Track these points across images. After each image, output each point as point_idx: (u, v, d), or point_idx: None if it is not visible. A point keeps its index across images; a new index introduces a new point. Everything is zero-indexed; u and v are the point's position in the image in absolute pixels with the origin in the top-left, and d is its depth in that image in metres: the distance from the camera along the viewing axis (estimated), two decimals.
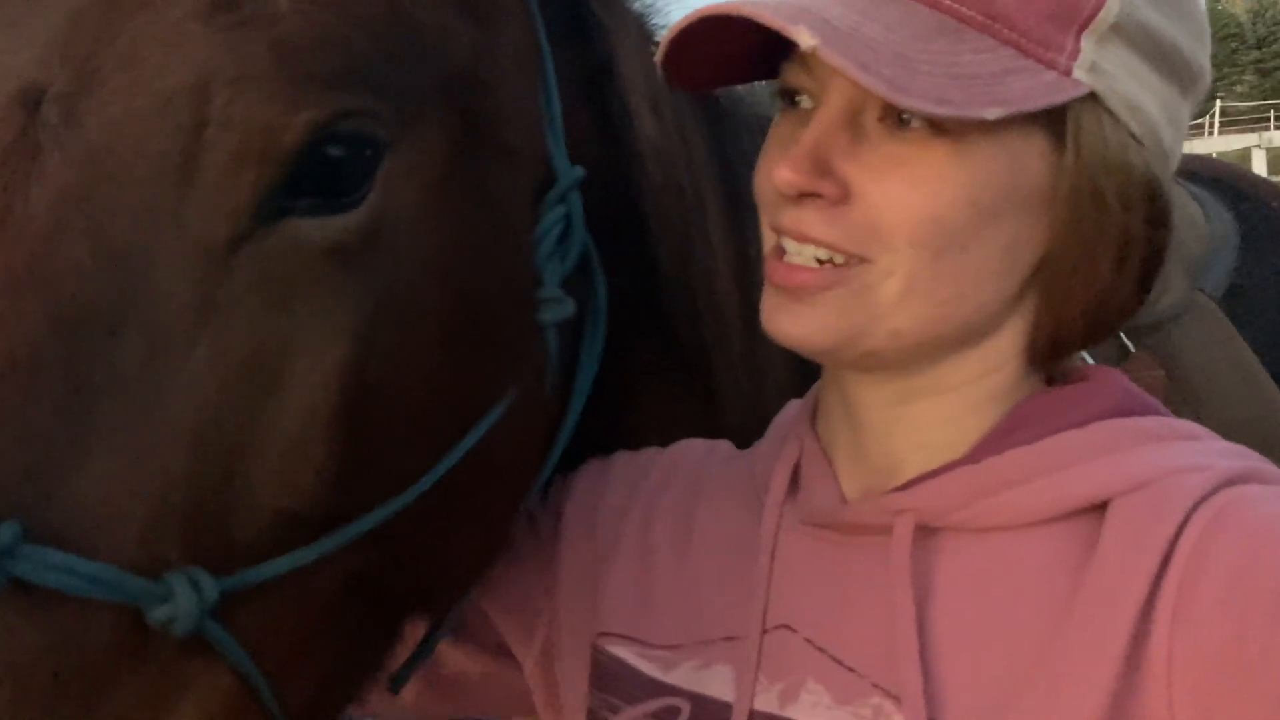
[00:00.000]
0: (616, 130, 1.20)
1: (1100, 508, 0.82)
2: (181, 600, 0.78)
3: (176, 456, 0.80)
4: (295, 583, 0.85)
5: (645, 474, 1.11)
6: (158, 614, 0.78)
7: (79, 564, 0.75)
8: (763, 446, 1.05)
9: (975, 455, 0.87)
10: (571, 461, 1.19)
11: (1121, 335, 1.57)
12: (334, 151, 0.86)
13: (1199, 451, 0.84)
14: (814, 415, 1.00)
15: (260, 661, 0.83)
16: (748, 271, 1.20)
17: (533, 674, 1.14)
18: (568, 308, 1.04)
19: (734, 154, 1.30)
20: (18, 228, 0.80)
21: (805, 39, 0.75)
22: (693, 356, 1.27)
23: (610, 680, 1.01)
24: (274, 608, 0.84)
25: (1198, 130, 33.73)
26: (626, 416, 1.24)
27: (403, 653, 1.12)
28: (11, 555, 0.73)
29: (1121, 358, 1.57)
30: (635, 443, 1.20)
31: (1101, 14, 0.81)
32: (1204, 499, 0.78)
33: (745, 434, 1.11)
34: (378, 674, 1.06)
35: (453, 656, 1.19)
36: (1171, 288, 1.70)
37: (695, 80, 0.95)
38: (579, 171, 1.07)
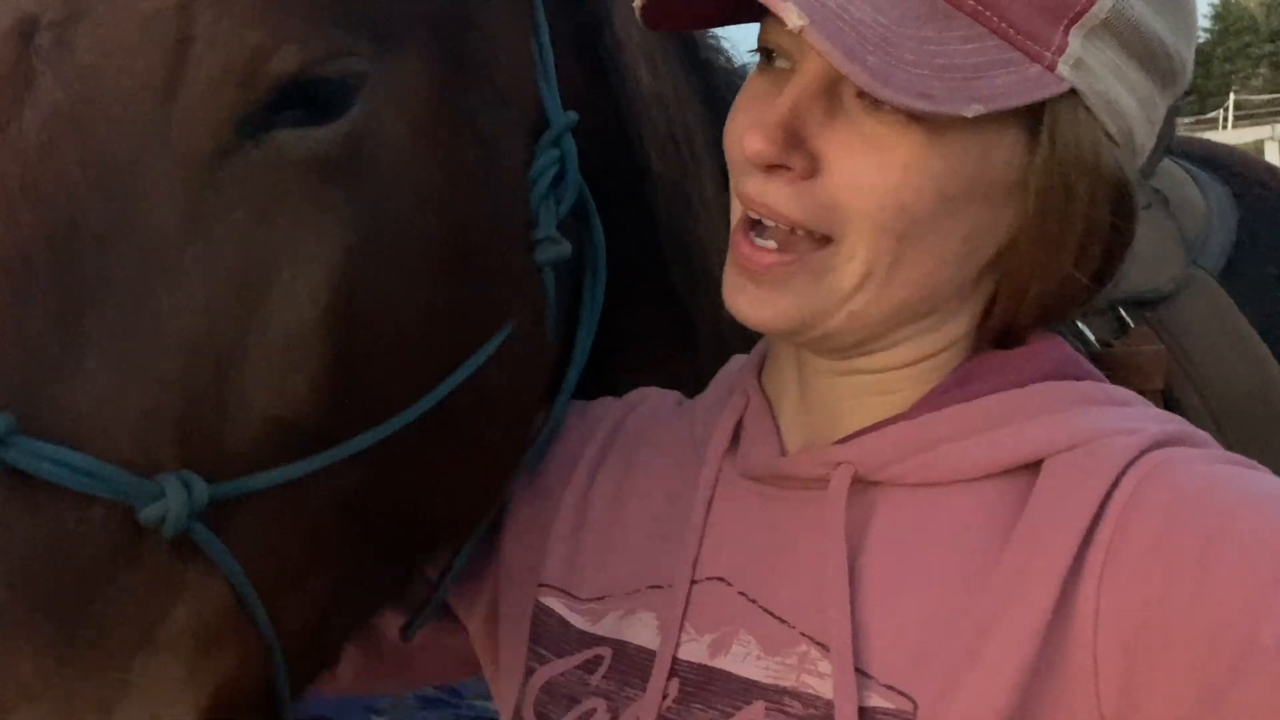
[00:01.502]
0: (611, 83, 1.23)
1: (1034, 467, 0.84)
2: (172, 499, 0.80)
3: (168, 361, 0.83)
4: (288, 499, 0.88)
5: (596, 425, 1.11)
6: (149, 512, 0.80)
7: (72, 457, 0.78)
8: (705, 399, 1.05)
9: (914, 411, 0.89)
10: None
11: (1120, 310, 1.58)
12: (317, 80, 0.90)
13: (1131, 416, 0.85)
14: (761, 368, 1.00)
15: (253, 577, 0.85)
16: None
17: (477, 633, 1.14)
18: (564, 249, 1.06)
19: (722, 106, 1.32)
20: (12, 147, 0.84)
21: (793, 19, 0.75)
22: (686, 306, 1.29)
23: (542, 632, 1.01)
24: (267, 522, 0.87)
25: (1211, 124, 33.46)
26: (621, 368, 1.27)
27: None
28: (5, 444, 0.77)
29: (1121, 332, 1.58)
30: (617, 383, 1.22)
31: (1094, 9, 0.80)
32: (1135, 459, 0.80)
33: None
34: (380, 609, 1.08)
35: (391, 627, 1.18)
36: (1170, 264, 1.71)
37: (672, 19, 0.94)
38: (572, 116, 1.09)
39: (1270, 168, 2.75)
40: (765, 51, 0.89)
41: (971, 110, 0.77)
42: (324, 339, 0.88)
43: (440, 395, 0.95)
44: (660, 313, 1.31)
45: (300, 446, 0.87)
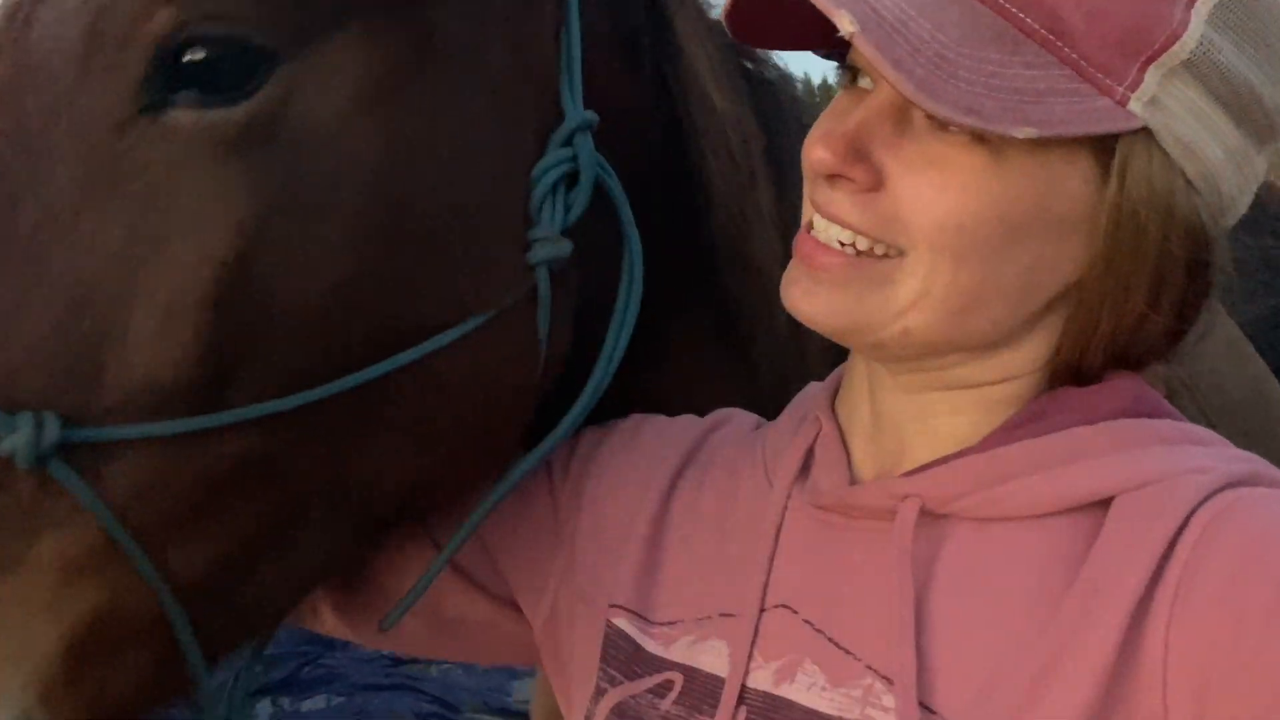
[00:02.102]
0: (669, 88, 1.23)
1: (1104, 504, 0.82)
2: (21, 434, 0.86)
3: (50, 312, 0.89)
4: (172, 453, 0.90)
5: (674, 444, 1.10)
6: (4, 444, 0.86)
7: None
8: (779, 424, 1.05)
9: (984, 445, 0.88)
10: (600, 416, 1.18)
11: None
12: (208, 49, 0.93)
13: (1206, 455, 0.84)
14: (834, 396, 1.00)
15: (131, 521, 0.89)
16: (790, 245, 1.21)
17: (541, 634, 1.14)
18: (562, 249, 1.05)
19: (778, 125, 1.32)
20: None
21: (845, 24, 0.76)
22: (735, 324, 1.29)
23: (613, 653, 1.01)
24: (147, 472, 0.90)
25: None
26: (662, 378, 1.26)
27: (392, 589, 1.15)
28: None
29: None
30: (668, 404, 1.21)
31: (1174, 49, 0.78)
32: (1206, 499, 0.78)
33: (780, 405, 1.12)
34: (323, 581, 1.09)
35: (456, 600, 1.18)
36: None
37: (756, 38, 0.96)
38: (588, 115, 1.08)
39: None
40: (852, 71, 0.90)
41: (1022, 132, 0.76)
42: (209, 309, 0.91)
43: (368, 377, 0.96)
44: (710, 324, 1.31)
45: (179, 406, 0.90)
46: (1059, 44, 0.78)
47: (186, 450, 0.91)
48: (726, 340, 1.31)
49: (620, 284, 1.14)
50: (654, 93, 1.24)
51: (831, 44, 0.88)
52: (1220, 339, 1.89)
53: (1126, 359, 0.88)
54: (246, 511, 0.96)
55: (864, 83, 0.88)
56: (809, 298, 0.87)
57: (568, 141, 1.08)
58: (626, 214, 1.14)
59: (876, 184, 0.83)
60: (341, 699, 4.70)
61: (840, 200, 0.84)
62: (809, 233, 0.88)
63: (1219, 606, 0.74)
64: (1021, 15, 0.79)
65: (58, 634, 0.90)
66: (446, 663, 4.96)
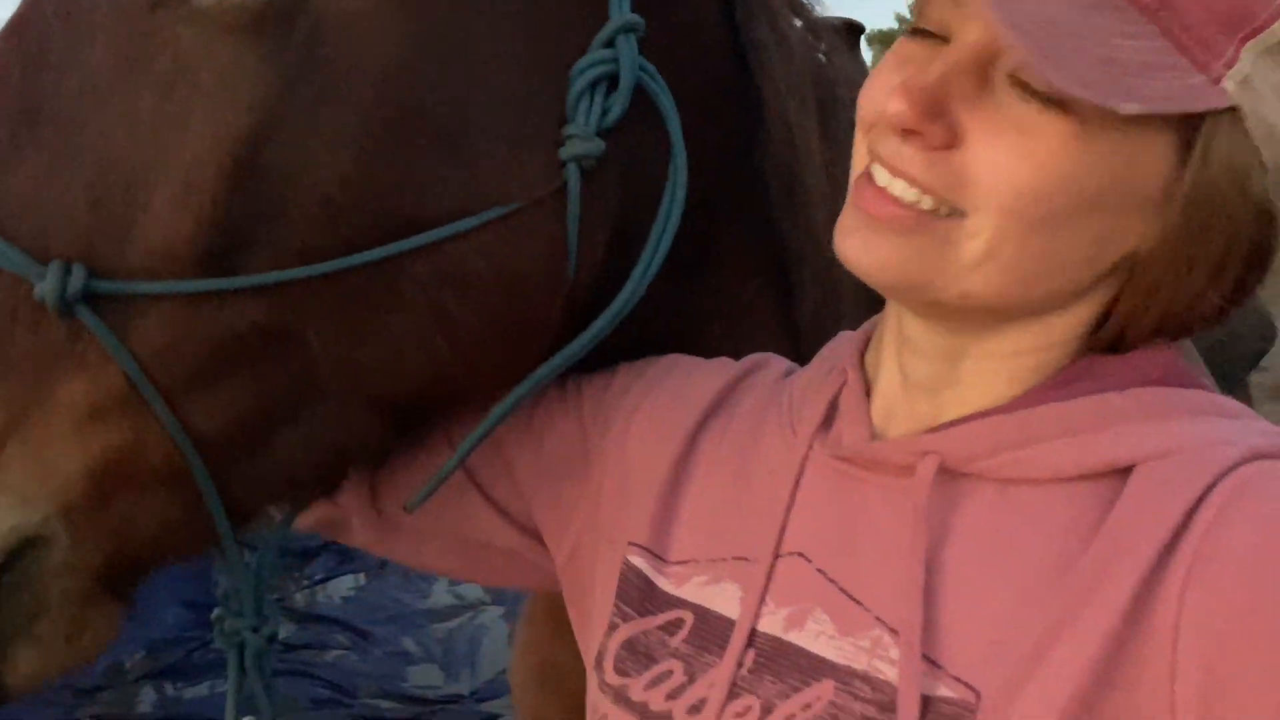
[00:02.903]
0: (735, 15, 1.24)
1: (1127, 472, 0.81)
2: (50, 280, 0.94)
3: (84, 174, 0.97)
4: (193, 312, 0.97)
5: (705, 386, 1.10)
6: (37, 289, 0.95)
7: None
8: (806, 373, 1.04)
9: (1010, 407, 0.87)
10: (637, 344, 1.19)
11: None
12: None
13: (1232, 428, 0.83)
14: (864, 348, 0.99)
15: (153, 373, 0.97)
16: (834, 186, 1.22)
17: (563, 570, 1.15)
18: (593, 147, 1.06)
19: (828, 68, 1.36)
20: None
21: None
22: (779, 253, 1.30)
23: (627, 590, 1.01)
24: (169, 328, 0.97)
25: None
26: (701, 300, 1.28)
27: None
28: None
29: None
30: (704, 329, 1.24)
31: (1275, 27, 0.77)
32: (1229, 470, 0.78)
33: (815, 339, 1.13)
34: (347, 463, 1.11)
35: (483, 525, 1.19)
36: None
37: None
38: (632, 18, 1.08)
39: None
40: (921, 18, 0.86)
41: (1128, 108, 0.74)
42: (225, 181, 0.96)
43: (378, 255, 0.99)
44: (754, 250, 1.31)
45: (196, 269, 0.96)
46: (1164, 14, 0.76)
47: (204, 311, 0.97)
48: (768, 270, 1.32)
49: (664, 195, 1.14)
50: (719, 10, 1.25)
51: None
52: None
53: (1173, 330, 0.87)
54: (262, 377, 1.01)
55: (935, 30, 0.85)
56: (867, 248, 0.84)
57: (610, 43, 1.08)
58: (675, 124, 1.13)
59: (951, 142, 0.80)
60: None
61: (910, 156, 0.82)
62: (871, 183, 0.85)
63: (1236, 576, 0.73)
64: None
65: (82, 461, 0.97)
66: (342, 648, 4.89)
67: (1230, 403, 0.87)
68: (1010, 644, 0.79)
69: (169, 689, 4.50)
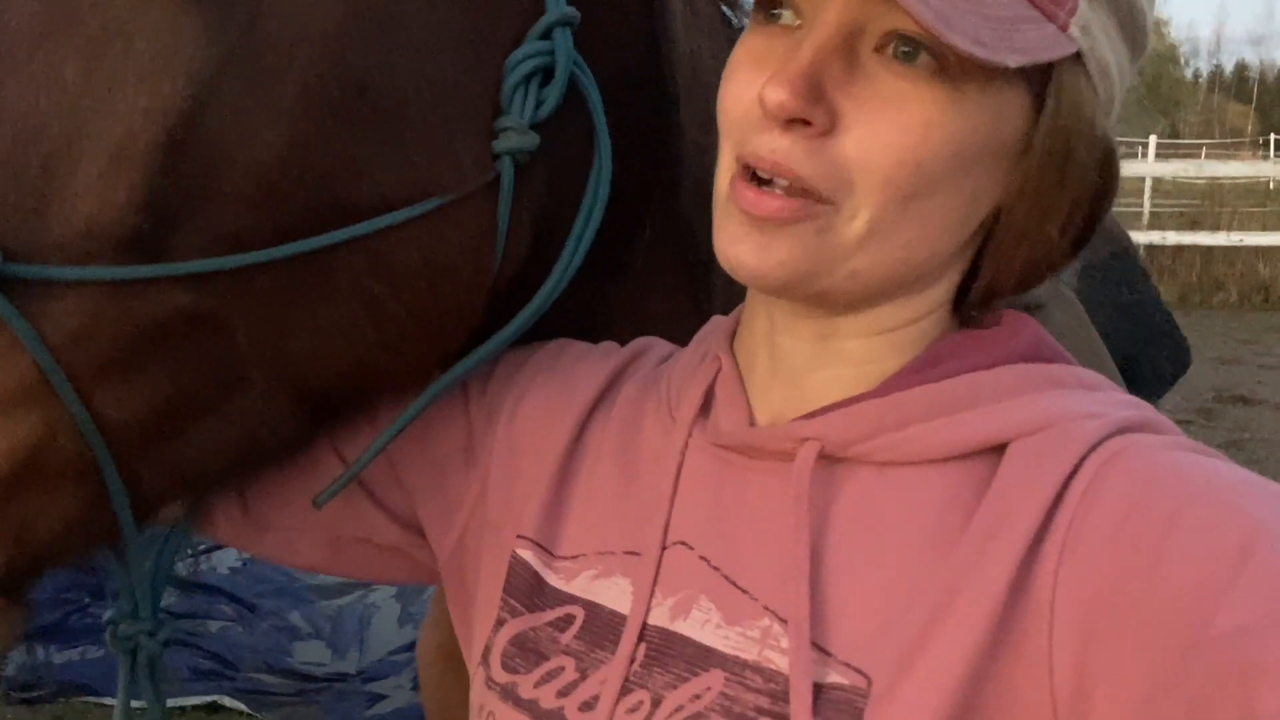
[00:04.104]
0: (654, 11, 1.23)
1: (1000, 449, 0.83)
2: None
3: (3, 144, 0.89)
4: (114, 299, 0.90)
5: (593, 373, 1.08)
6: None
7: None
8: (681, 359, 1.03)
9: (884, 389, 0.88)
10: (555, 329, 1.18)
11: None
12: None
13: (1098, 400, 0.85)
14: (734, 335, 0.99)
15: (66, 362, 0.90)
16: None
17: (447, 564, 1.11)
18: (527, 140, 1.04)
19: None
20: None
21: None
22: (692, 251, 1.29)
23: (515, 585, 0.99)
24: (85, 315, 0.90)
25: None
26: (618, 293, 1.26)
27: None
28: None
29: None
30: (621, 322, 1.21)
31: None
32: (1099, 443, 0.80)
33: None
34: (261, 457, 1.07)
35: (361, 522, 1.15)
36: None
37: None
38: (568, 11, 1.07)
39: None
40: (767, 6, 0.86)
41: (1014, 60, 0.75)
42: (156, 157, 0.90)
43: (312, 246, 0.95)
44: (672, 245, 1.30)
45: (119, 253, 0.90)
46: None
47: (126, 298, 0.91)
48: (681, 269, 1.31)
49: (586, 189, 1.13)
50: (644, 8, 1.24)
51: None
52: (1083, 339, 2.01)
53: (1029, 282, 0.89)
54: (183, 368, 0.96)
55: (786, 18, 0.84)
56: (760, 253, 0.82)
57: (546, 35, 1.07)
58: (601, 119, 1.12)
59: (830, 128, 0.80)
60: (101, 650, 4.47)
61: (789, 148, 0.80)
62: (747, 183, 0.83)
63: (1106, 547, 0.75)
64: None
65: None
66: (226, 620, 4.80)
67: (1091, 374, 0.89)
68: (897, 627, 0.80)
69: (40, 651, 4.37)
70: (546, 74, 1.06)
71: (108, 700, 4.12)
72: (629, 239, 1.26)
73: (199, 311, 0.93)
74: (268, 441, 1.05)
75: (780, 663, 0.83)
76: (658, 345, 1.12)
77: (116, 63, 0.90)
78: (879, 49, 0.79)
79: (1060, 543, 0.77)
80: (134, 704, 1.13)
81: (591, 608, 0.94)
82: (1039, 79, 0.81)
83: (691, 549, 0.91)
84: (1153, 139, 18.28)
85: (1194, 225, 16.01)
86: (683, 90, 1.26)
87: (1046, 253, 0.87)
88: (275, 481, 1.15)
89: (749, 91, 0.82)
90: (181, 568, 5.29)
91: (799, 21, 0.83)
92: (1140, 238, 13.21)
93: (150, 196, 0.90)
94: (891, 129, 0.79)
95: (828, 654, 0.81)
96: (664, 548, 0.92)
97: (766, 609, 0.85)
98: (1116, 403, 0.85)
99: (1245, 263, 14.86)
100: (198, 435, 0.99)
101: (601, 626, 0.92)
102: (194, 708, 4.12)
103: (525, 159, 1.05)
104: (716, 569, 0.89)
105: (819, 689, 0.80)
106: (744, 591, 0.87)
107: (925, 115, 0.78)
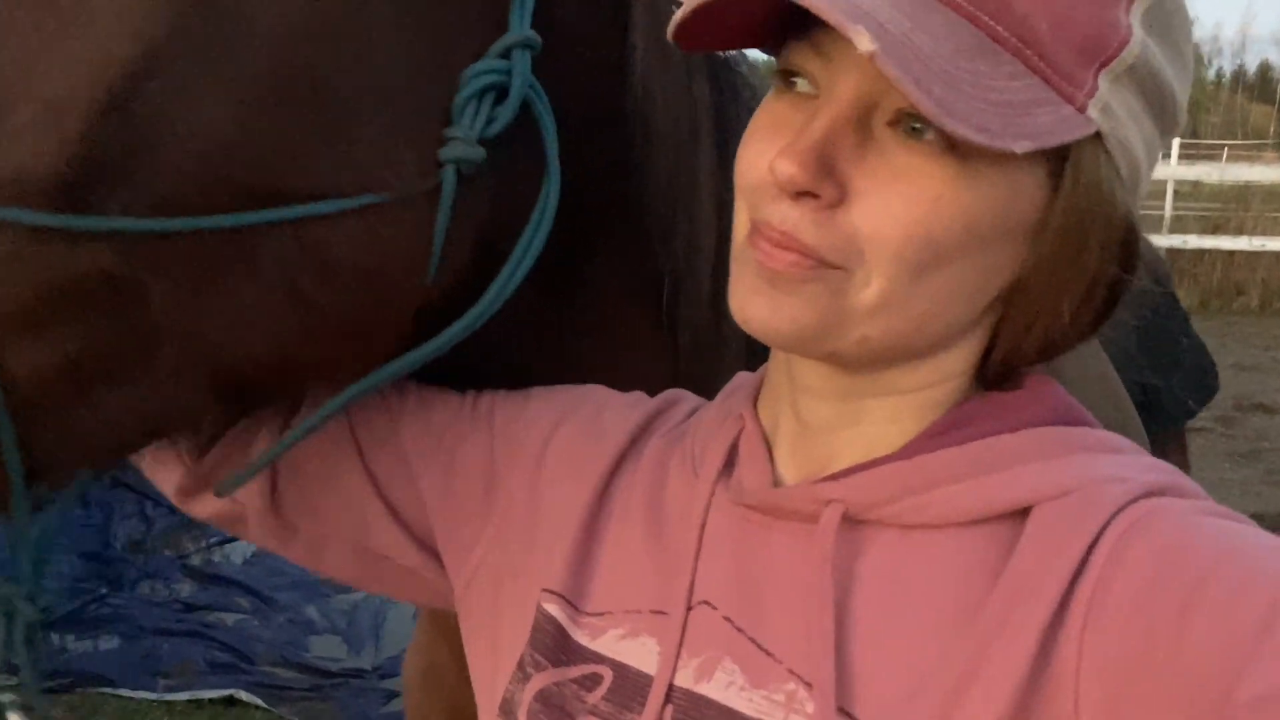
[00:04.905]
0: (627, 45, 1.23)
1: (1024, 513, 0.83)
2: None
3: None
4: (32, 246, 0.89)
5: (619, 425, 1.08)
6: None
7: None
8: (706, 415, 1.04)
9: (908, 452, 0.88)
10: (506, 358, 1.18)
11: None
12: None
13: (1123, 464, 0.85)
14: (757, 395, 0.99)
15: None
16: (724, 220, 1.20)
17: (461, 596, 1.11)
18: (473, 152, 1.04)
19: (730, 104, 1.33)
20: None
21: (865, 44, 0.72)
22: (658, 284, 1.29)
23: (540, 638, 0.99)
24: (8, 262, 0.89)
25: None
26: (574, 320, 1.26)
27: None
28: None
29: None
30: (577, 350, 1.22)
31: (1123, 54, 0.80)
32: (1123, 508, 0.80)
33: (696, 373, 1.13)
34: (170, 426, 1.07)
35: (385, 539, 1.15)
36: None
37: (701, 43, 0.91)
38: (530, 34, 1.08)
39: None
40: (785, 75, 0.86)
41: (1022, 146, 0.75)
42: (94, 112, 0.89)
43: (240, 222, 0.94)
44: (632, 279, 1.29)
45: (44, 200, 0.89)
46: (1029, 53, 0.78)
47: (45, 248, 0.89)
48: (647, 292, 1.31)
49: (533, 213, 1.13)
50: (616, 34, 1.23)
51: (762, 44, 0.89)
52: (1097, 374, 1.99)
53: (1049, 353, 0.89)
54: (96, 329, 0.94)
55: (803, 86, 0.85)
56: (774, 310, 0.82)
57: (506, 55, 1.08)
58: (552, 146, 1.12)
59: (839, 200, 0.80)
60: (118, 641, 4.49)
61: (799, 220, 0.81)
62: (763, 235, 0.84)
63: (1131, 614, 0.75)
64: (994, 24, 0.79)
65: None
66: (242, 613, 4.82)
67: (1117, 438, 0.89)
68: (922, 693, 0.80)
69: (54, 639, 4.39)
70: (502, 93, 1.07)
71: (124, 691, 4.16)
72: (586, 266, 1.27)
73: (119, 274, 0.92)
74: (172, 423, 1.04)
75: None
76: (686, 399, 1.12)
77: (68, 14, 0.90)
78: (891, 124, 0.80)
79: (1084, 609, 0.76)
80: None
81: (619, 668, 0.94)
82: (1057, 156, 0.81)
83: (715, 609, 0.91)
84: (1175, 141, 18.19)
85: (1216, 229, 15.92)
86: (647, 130, 1.25)
87: (1064, 328, 0.87)
88: (302, 489, 1.15)
89: (763, 159, 0.82)
90: (195, 559, 5.32)
91: (817, 91, 0.83)
92: (1161, 241, 13.15)
93: (83, 151, 0.89)
94: (900, 201, 0.79)
95: (853, 718, 0.81)
96: (689, 608, 0.92)
97: (791, 672, 0.85)
98: (1141, 466, 0.85)
99: (1267, 268, 14.77)
100: (102, 403, 0.97)
101: (629, 688, 0.93)
102: (210, 701, 4.14)
103: (471, 170, 1.05)
104: (740, 630, 0.89)
105: None
106: (768, 654, 0.87)
107: (934, 190, 0.79)
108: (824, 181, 0.79)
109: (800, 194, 0.80)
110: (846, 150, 0.80)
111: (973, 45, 0.78)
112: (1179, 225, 15.91)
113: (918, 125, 0.79)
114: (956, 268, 0.82)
